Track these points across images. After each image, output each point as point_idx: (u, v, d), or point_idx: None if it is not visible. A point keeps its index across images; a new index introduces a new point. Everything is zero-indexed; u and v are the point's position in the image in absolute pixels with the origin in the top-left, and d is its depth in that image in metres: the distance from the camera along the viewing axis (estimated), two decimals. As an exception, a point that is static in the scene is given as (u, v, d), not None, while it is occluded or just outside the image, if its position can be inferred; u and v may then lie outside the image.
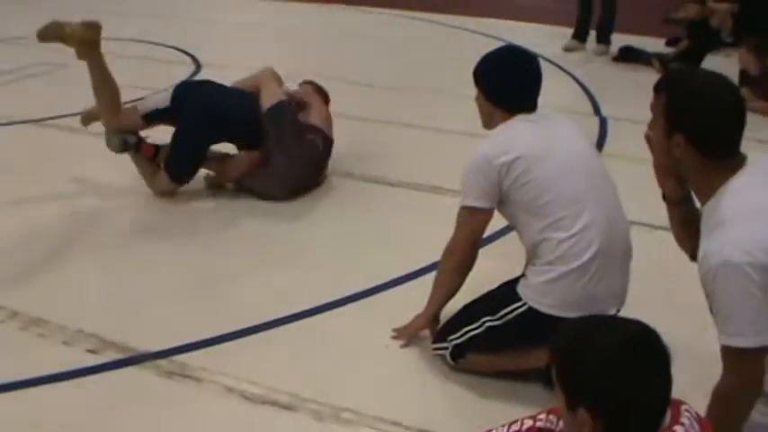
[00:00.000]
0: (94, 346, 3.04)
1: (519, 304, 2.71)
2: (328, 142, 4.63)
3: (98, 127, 4.70)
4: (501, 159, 2.65)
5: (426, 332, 3.00)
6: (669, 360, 1.74)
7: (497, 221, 2.91)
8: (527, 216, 2.70)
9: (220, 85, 4.60)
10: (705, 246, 2.06)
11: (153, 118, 4.49)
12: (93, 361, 2.97)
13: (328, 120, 4.76)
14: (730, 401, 2.11)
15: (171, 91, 4.50)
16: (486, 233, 2.92)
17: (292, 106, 4.50)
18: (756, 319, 1.99)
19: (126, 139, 4.44)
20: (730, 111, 2.11)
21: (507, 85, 2.82)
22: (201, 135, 4.36)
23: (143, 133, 4.54)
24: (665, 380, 1.74)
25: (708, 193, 2.13)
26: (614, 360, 1.70)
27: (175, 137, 4.38)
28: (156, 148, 4.46)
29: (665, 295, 3.24)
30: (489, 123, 2.87)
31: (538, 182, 2.63)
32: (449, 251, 2.88)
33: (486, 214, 2.77)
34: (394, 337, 3.05)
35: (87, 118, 4.81)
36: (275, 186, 4.40)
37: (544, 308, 2.65)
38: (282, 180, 4.39)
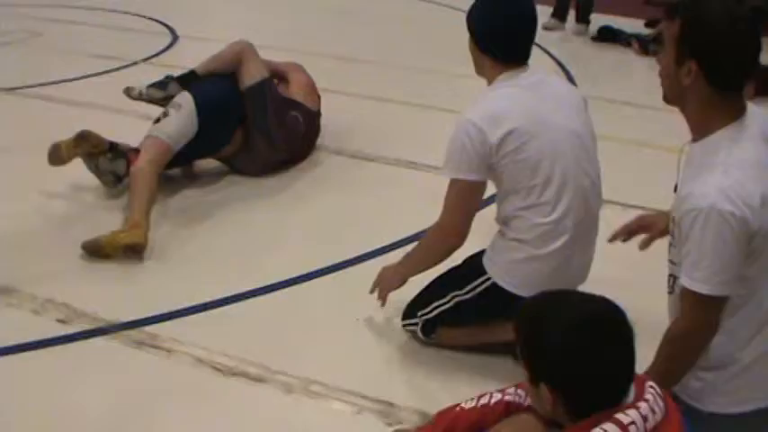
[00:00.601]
0: (65, 316, 3.03)
1: (485, 278, 2.70)
2: (312, 116, 4.56)
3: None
4: (492, 134, 2.49)
5: (397, 303, 2.99)
6: (632, 337, 1.75)
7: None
8: (507, 191, 2.62)
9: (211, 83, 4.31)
10: (691, 185, 2.04)
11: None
12: (63, 331, 2.95)
13: (309, 86, 4.67)
14: (682, 342, 2.12)
15: (193, 113, 4.07)
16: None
17: (273, 83, 4.41)
18: (724, 270, 2.00)
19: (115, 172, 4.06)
20: (745, 38, 2.05)
21: (496, 32, 2.61)
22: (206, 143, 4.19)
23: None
24: (627, 356, 1.76)
25: (704, 132, 2.09)
26: (573, 336, 1.72)
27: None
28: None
29: (635, 275, 3.26)
30: (480, 71, 2.70)
31: (527, 163, 2.52)
32: (440, 229, 2.71)
33: (480, 187, 2.61)
34: (371, 292, 2.95)
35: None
36: (257, 166, 4.35)
37: (508, 286, 2.63)
38: (264, 162, 4.35)
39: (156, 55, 6.69)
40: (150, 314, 3.04)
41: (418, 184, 4.26)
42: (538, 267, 2.58)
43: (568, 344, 1.73)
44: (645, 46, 7.45)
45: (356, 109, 5.39)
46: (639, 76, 6.84)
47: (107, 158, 4.01)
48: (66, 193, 4.09)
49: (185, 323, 3.03)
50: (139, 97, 4.32)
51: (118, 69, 6.19)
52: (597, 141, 2.74)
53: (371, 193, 4.20)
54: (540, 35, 5.33)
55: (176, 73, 4.37)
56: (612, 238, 2.75)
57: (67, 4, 8.48)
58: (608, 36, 7.77)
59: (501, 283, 2.65)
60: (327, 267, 3.41)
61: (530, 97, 2.58)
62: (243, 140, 4.30)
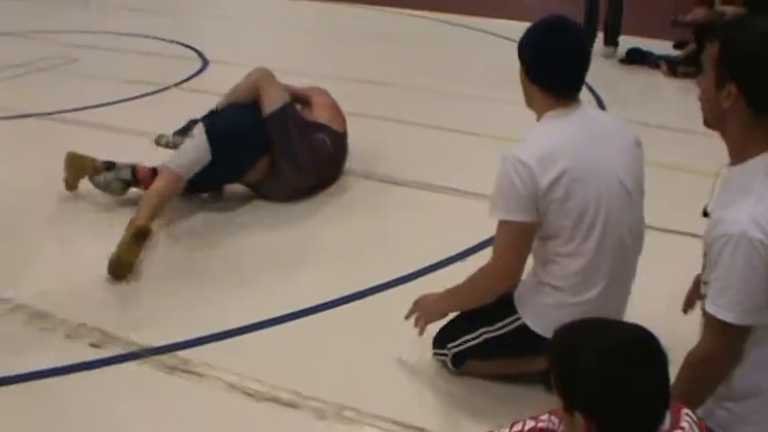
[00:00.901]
0: (97, 341, 3.05)
1: (516, 317, 2.65)
2: (339, 138, 4.55)
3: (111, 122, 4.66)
4: (542, 176, 2.40)
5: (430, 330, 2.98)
6: (666, 363, 1.73)
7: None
8: (547, 234, 2.53)
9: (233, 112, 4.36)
10: (724, 211, 2.01)
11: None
12: (95, 355, 2.97)
13: (334, 108, 4.67)
14: (703, 367, 2.09)
15: (204, 142, 4.11)
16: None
17: (295, 107, 4.42)
18: (749, 298, 1.97)
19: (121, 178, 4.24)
20: None
21: (549, 63, 2.50)
22: (228, 171, 4.27)
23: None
24: (662, 383, 1.74)
25: (743, 156, 2.06)
26: (607, 363, 1.70)
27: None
28: (153, 170, 4.22)
29: (672, 299, 3.23)
30: (530, 103, 2.61)
31: (573, 211, 2.44)
32: (491, 272, 2.60)
33: (532, 228, 2.49)
34: (407, 318, 2.90)
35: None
36: (286, 192, 4.36)
37: (538, 329, 2.58)
38: (292, 188, 4.36)
39: (187, 80, 6.76)
40: (182, 339, 3.06)
41: (446, 208, 4.26)
42: (570, 313, 2.42)
43: (602, 371, 1.71)
44: (673, 68, 7.43)
45: (383, 132, 5.41)
46: (669, 99, 6.82)
47: (109, 171, 4.19)
48: (99, 219, 4.14)
49: (217, 348, 3.04)
50: (167, 146, 4.37)
51: (150, 94, 6.27)
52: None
53: (400, 218, 4.20)
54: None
55: (198, 116, 4.39)
56: (686, 310, 2.66)
57: (101, 31, 8.61)
58: (636, 58, 7.75)
59: (531, 325, 2.61)
60: (358, 292, 3.42)
61: (580, 137, 2.48)
62: (269, 167, 4.29)
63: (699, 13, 7.47)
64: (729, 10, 8.77)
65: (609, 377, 1.70)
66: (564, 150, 2.43)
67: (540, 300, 2.61)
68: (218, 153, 4.09)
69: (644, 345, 1.75)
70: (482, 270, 2.64)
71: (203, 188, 4.29)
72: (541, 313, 2.59)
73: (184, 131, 4.32)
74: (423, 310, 2.86)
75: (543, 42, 2.53)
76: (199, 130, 4.15)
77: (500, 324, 2.68)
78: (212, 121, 4.23)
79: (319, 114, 4.56)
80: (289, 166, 4.27)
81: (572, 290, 2.53)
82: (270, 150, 4.26)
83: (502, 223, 2.51)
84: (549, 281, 2.57)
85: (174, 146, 4.31)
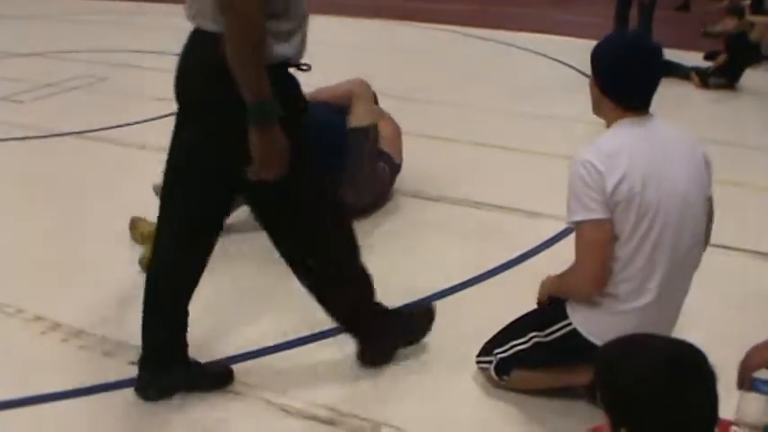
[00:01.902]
0: (136, 358, 3.06)
1: (567, 322, 2.65)
2: (395, 168, 4.55)
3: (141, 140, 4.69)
4: (609, 176, 2.41)
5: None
6: (714, 380, 1.71)
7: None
8: None
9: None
10: None
11: None
12: (134, 373, 2.97)
13: (398, 139, 4.63)
14: None
15: None
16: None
17: (377, 131, 4.39)
18: None
19: None
20: None
21: (622, 75, 2.53)
22: None
23: None
24: (710, 401, 1.71)
25: None
26: (653, 382, 1.68)
27: None
28: None
29: (716, 314, 3.21)
30: (597, 111, 2.64)
31: (631, 216, 2.44)
32: (576, 279, 2.59)
33: (609, 226, 2.46)
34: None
35: None
36: None
37: (588, 335, 2.57)
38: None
39: (217, 97, 6.79)
40: (218, 357, 3.06)
41: (483, 224, 4.25)
42: (620, 321, 2.49)
43: (649, 387, 1.69)
44: (705, 79, 7.40)
45: (417, 148, 5.40)
46: (701, 110, 6.78)
47: None
48: (126, 235, 4.15)
49: (254, 366, 3.04)
50: None
51: (180, 112, 6.30)
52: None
53: (440, 234, 4.19)
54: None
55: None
56: (741, 386, 2.41)
57: (130, 49, 8.71)
58: (667, 69, 7.69)
59: (581, 331, 2.60)
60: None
61: (646, 144, 2.48)
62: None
63: (729, 24, 7.44)
64: (759, 20, 8.75)
65: (656, 394, 1.68)
66: (627, 155, 2.44)
67: (592, 306, 2.59)
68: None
69: (692, 362, 1.73)
70: (570, 272, 2.62)
71: None
72: (592, 320, 2.58)
73: None
74: (541, 286, 2.87)
75: (619, 56, 2.56)
76: None
77: (550, 329, 2.68)
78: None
79: (385, 144, 4.52)
80: (351, 191, 4.23)
81: (624, 296, 2.52)
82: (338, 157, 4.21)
83: (579, 226, 2.50)
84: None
85: None
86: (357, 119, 4.28)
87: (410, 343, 3.10)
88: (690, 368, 1.72)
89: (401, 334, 3.08)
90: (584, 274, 2.53)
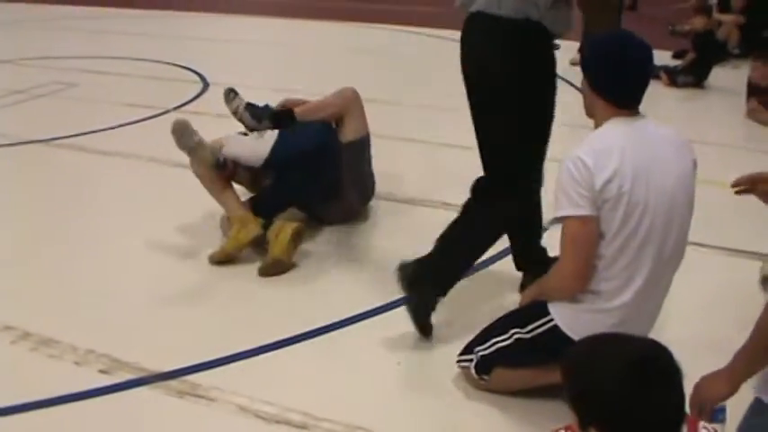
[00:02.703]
0: (106, 367, 3.04)
1: (548, 319, 2.65)
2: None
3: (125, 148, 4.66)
4: (598, 173, 2.42)
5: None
6: (681, 379, 1.72)
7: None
8: None
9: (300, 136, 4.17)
10: None
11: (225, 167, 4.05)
12: (105, 381, 2.96)
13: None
14: None
15: (265, 153, 4.03)
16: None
17: (370, 138, 4.41)
18: None
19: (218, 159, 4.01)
20: None
21: (614, 75, 2.55)
22: (302, 192, 4.18)
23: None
24: (677, 398, 1.73)
25: None
26: (621, 380, 1.69)
27: (276, 189, 4.14)
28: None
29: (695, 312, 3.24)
30: (590, 111, 2.65)
31: (618, 213, 2.45)
32: (560, 276, 2.61)
33: (595, 222, 2.47)
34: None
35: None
36: (345, 216, 4.35)
37: (570, 332, 2.57)
38: (353, 211, 4.38)
39: (188, 103, 6.78)
40: (192, 363, 3.04)
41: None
42: (601, 319, 2.51)
43: (616, 386, 1.70)
44: (673, 77, 7.45)
45: (389, 151, 5.40)
46: (670, 108, 6.82)
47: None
48: (97, 241, 4.15)
49: (227, 372, 3.02)
50: (234, 112, 4.17)
51: (151, 118, 6.28)
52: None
53: (416, 238, 4.17)
54: (570, 70, 5.36)
55: (275, 104, 4.28)
56: (736, 185, 2.57)
57: (100, 55, 8.65)
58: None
59: (562, 327, 2.60)
60: (369, 311, 3.41)
61: (635, 144, 2.49)
62: (334, 191, 4.25)
63: (697, 23, 7.50)
64: (726, 18, 8.84)
65: (623, 393, 1.69)
66: (618, 153, 2.45)
67: (574, 304, 2.60)
68: (281, 175, 4.07)
69: (658, 361, 1.74)
70: (555, 270, 2.64)
71: (268, 214, 4.05)
72: (574, 317, 2.59)
73: (256, 117, 4.13)
74: (522, 295, 2.90)
75: (611, 55, 2.57)
76: (269, 138, 4.05)
77: (532, 326, 2.68)
78: (285, 137, 4.07)
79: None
80: (355, 195, 4.29)
81: (607, 294, 2.53)
82: (337, 175, 4.21)
83: (566, 221, 2.51)
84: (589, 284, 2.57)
85: (240, 119, 4.15)
86: (353, 131, 4.27)
87: None
88: (657, 367, 1.73)
89: None
90: (568, 269, 2.55)
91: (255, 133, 4.09)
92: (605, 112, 2.57)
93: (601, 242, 2.49)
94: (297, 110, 4.25)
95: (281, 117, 4.18)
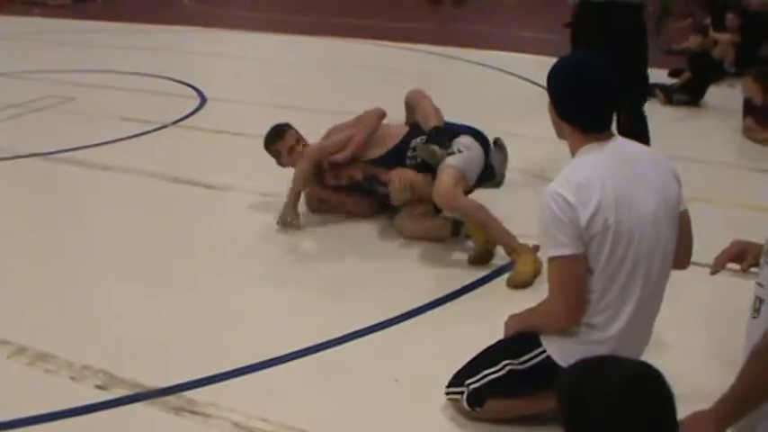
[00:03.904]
0: (103, 382, 3.03)
1: (541, 350, 2.61)
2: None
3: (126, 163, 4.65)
4: (582, 210, 2.38)
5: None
6: (672, 400, 1.74)
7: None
8: None
9: None
10: None
11: None
12: (101, 397, 2.95)
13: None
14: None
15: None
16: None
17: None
18: None
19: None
20: None
21: (578, 101, 2.52)
22: None
23: None
24: (668, 421, 1.74)
25: None
26: (611, 404, 1.71)
27: None
28: None
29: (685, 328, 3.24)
30: (560, 136, 2.62)
31: (607, 244, 2.41)
32: (551, 314, 2.57)
33: (582, 260, 2.43)
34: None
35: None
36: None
37: (564, 364, 2.49)
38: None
39: (185, 117, 6.79)
40: (188, 379, 3.03)
41: (452, 242, 4.26)
42: (597, 349, 2.44)
43: (607, 410, 1.72)
44: (669, 96, 7.48)
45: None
46: (665, 126, 6.83)
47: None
48: (94, 256, 4.14)
49: (223, 388, 3.01)
50: (436, 158, 4.15)
51: (148, 133, 6.29)
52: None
53: (413, 254, 4.19)
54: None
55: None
56: (715, 272, 2.57)
57: (98, 69, 8.66)
58: (632, 87, 7.81)
59: (556, 360, 2.56)
60: (364, 328, 3.39)
61: (614, 170, 2.46)
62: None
63: (693, 42, 7.54)
64: (722, 37, 8.89)
65: (613, 416, 1.71)
66: (598, 184, 2.41)
67: (567, 335, 2.56)
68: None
69: (649, 383, 1.76)
70: (544, 306, 2.60)
71: None
72: (567, 349, 2.53)
73: (443, 143, 4.16)
74: (505, 326, 2.83)
75: (571, 81, 2.55)
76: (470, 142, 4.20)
77: (525, 358, 2.64)
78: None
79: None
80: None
81: (601, 325, 2.50)
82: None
83: (553, 260, 2.47)
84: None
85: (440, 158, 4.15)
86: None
87: None
88: (648, 389, 1.75)
89: None
90: (559, 309, 2.52)
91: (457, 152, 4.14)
92: (575, 137, 2.55)
93: (590, 277, 2.46)
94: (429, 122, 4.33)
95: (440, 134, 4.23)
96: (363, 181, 4.49)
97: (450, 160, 4.06)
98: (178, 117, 6.75)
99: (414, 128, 4.41)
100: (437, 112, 4.33)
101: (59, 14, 13.34)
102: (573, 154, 2.57)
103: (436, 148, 4.10)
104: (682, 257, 2.63)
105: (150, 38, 11.24)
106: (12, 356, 3.22)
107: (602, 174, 2.43)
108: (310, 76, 8.76)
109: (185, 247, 4.27)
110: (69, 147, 5.84)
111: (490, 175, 4.35)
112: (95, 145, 5.92)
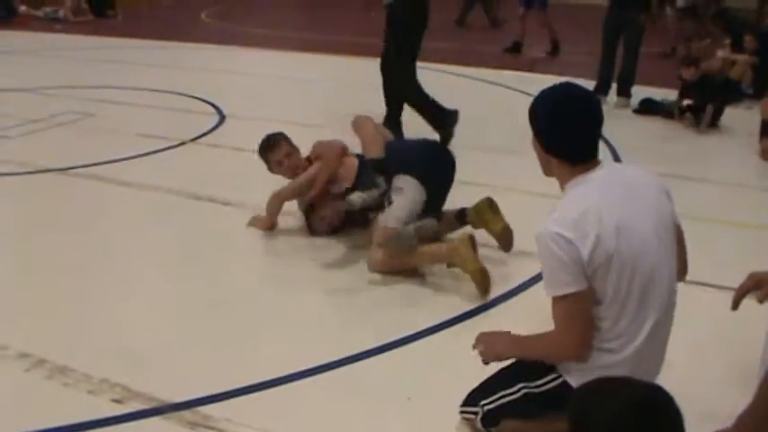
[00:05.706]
0: (120, 396, 3.05)
1: (556, 375, 2.61)
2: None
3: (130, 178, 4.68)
4: (582, 246, 2.37)
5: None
6: (681, 423, 1.74)
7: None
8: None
9: None
10: None
11: None
12: (118, 411, 2.97)
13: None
14: None
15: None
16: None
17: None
18: None
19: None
20: None
21: (562, 134, 2.51)
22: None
23: None
24: None
25: None
26: (621, 423, 1.71)
27: None
28: None
29: (692, 350, 3.23)
30: (547, 171, 2.61)
31: (613, 273, 2.41)
32: (559, 348, 2.53)
33: (588, 296, 2.43)
34: (474, 348, 2.77)
35: None
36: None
37: None
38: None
39: (204, 135, 6.83)
40: (204, 394, 3.05)
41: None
42: (614, 372, 2.43)
43: (617, 428, 1.72)
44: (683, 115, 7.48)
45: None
46: (683, 148, 6.83)
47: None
48: (113, 271, 4.17)
49: (239, 403, 3.03)
50: (363, 204, 4.24)
51: (167, 149, 6.33)
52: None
53: (429, 272, 4.19)
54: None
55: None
56: (736, 305, 2.60)
57: (117, 86, 8.73)
58: (650, 108, 7.82)
59: (573, 384, 2.54)
60: (379, 346, 3.41)
61: (608, 199, 2.44)
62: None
63: (687, 73, 7.56)
64: (740, 59, 8.89)
65: None
66: (594, 216, 2.39)
67: (584, 361, 2.53)
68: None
69: (658, 406, 1.75)
70: (550, 339, 2.55)
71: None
72: (584, 374, 2.46)
73: (370, 184, 4.27)
74: (492, 347, 2.75)
75: (554, 113, 2.52)
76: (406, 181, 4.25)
77: (541, 381, 2.62)
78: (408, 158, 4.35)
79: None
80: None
81: (617, 348, 2.49)
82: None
83: (558, 300, 2.45)
84: (594, 344, 2.51)
85: (371, 200, 4.25)
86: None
87: None
88: (657, 411, 1.75)
89: None
90: (567, 342, 2.50)
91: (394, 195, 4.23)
92: (562, 170, 2.54)
93: (599, 307, 2.46)
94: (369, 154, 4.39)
95: (377, 164, 4.31)
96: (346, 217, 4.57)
97: (381, 219, 4.19)
98: (197, 134, 6.80)
99: (362, 160, 4.48)
100: (376, 139, 4.39)
101: (81, 31, 13.46)
102: (563, 188, 2.56)
103: (354, 197, 4.18)
104: (679, 270, 2.63)
105: (170, 55, 11.32)
106: (31, 369, 3.24)
107: (597, 204, 2.42)
108: (328, 94, 8.80)
109: (203, 262, 4.30)
110: (88, 162, 5.89)
111: (438, 201, 4.39)
112: (114, 161, 5.97)
